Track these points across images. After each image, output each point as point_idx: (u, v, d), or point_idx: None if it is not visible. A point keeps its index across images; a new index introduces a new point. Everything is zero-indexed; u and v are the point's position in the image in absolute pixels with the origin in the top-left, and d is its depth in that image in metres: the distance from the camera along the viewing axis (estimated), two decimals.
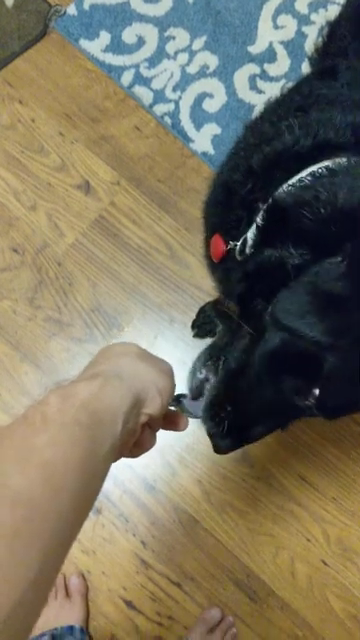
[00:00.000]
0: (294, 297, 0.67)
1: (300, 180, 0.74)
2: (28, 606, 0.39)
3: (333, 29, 1.45)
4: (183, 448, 1.40)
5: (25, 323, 1.49)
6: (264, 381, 0.69)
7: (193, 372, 0.77)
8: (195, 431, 1.40)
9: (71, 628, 1.28)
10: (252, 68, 1.62)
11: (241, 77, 1.62)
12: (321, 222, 0.67)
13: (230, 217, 0.86)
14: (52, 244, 1.53)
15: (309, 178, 0.73)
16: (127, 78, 1.62)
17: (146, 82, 1.62)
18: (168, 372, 0.61)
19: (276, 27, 1.65)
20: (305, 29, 1.65)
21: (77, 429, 0.47)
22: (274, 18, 1.66)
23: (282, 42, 1.64)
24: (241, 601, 1.34)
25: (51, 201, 1.56)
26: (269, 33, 1.65)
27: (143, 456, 1.42)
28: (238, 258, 0.79)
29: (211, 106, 1.60)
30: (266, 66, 1.63)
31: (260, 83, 1.61)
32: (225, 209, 0.90)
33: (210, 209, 0.98)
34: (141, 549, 1.37)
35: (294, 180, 0.74)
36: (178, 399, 0.71)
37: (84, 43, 1.64)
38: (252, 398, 0.70)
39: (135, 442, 0.58)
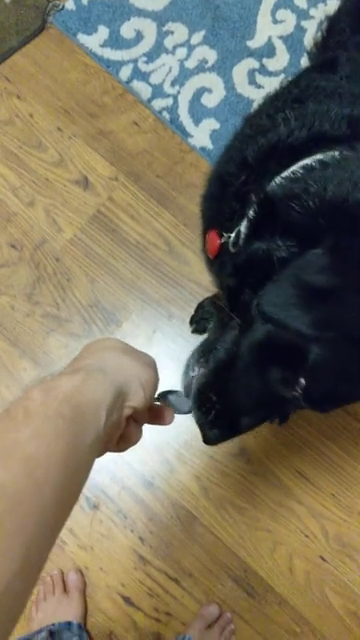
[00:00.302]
0: (279, 289, 0.67)
1: (293, 172, 0.74)
2: (13, 597, 0.39)
3: (332, 23, 1.44)
4: (181, 444, 1.40)
5: (23, 319, 1.48)
6: (251, 371, 0.69)
7: (186, 370, 0.77)
8: (193, 428, 1.40)
9: (69, 624, 1.28)
10: (251, 63, 1.62)
11: (240, 72, 1.61)
12: (309, 215, 0.67)
13: (224, 209, 0.86)
14: (50, 240, 1.53)
15: (301, 171, 0.73)
16: (125, 73, 1.62)
17: (144, 77, 1.61)
18: (151, 365, 0.61)
19: (275, 22, 1.64)
20: (304, 23, 1.64)
21: (60, 422, 0.47)
22: (273, 12, 1.65)
23: (281, 37, 1.63)
24: (239, 597, 1.34)
25: (49, 197, 1.55)
26: (268, 28, 1.64)
27: (141, 452, 1.43)
28: (232, 250, 0.79)
29: (210, 101, 1.60)
30: (265, 61, 1.62)
31: (259, 78, 1.61)
32: (220, 202, 0.90)
33: (206, 203, 0.98)
34: (139, 545, 1.37)
35: (287, 173, 0.74)
36: (165, 395, 0.70)
37: (82, 38, 1.64)
38: (239, 388, 0.71)
39: (121, 436, 0.58)
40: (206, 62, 1.62)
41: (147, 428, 1.39)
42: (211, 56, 1.62)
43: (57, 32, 1.65)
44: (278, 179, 0.74)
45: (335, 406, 0.70)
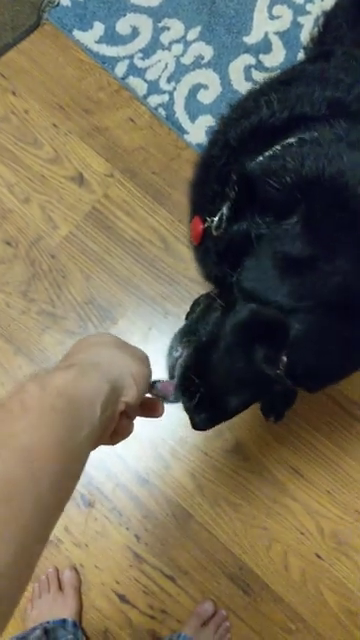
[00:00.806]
0: (256, 263, 0.68)
1: (272, 151, 0.75)
2: (9, 582, 0.40)
3: (329, 19, 1.44)
4: (176, 441, 1.40)
5: (19, 316, 1.48)
6: (234, 351, 0.69)
7: (170, 351, 0.77)
8: (188, 424, 1.39)
9: (63, 621, 1.28)
10: (247, 59, 1.61)
11: (236, 68, 1.60)
12: (286, 190, 0.67)
13: (207, 192, 0.87)
14: (46, 236, 1.52)
15: (279, 149, 0.74)
16: (121, 69, 1.61)
17: (140, 73, 1.61)
18: (144, 359, 0.62)
19: (271, 17, 1.64)
20: (301, 19, 1.63)
21: (55, 416, 0.47)
22: (269, 8, 1.64)
23: (277, 32, 1.63)
24: (235, 594, 1.34)
25: (45, 193, 1.55)
26: (264, 23, 1.63)
27: (136, 449, 1.42)
28: (214, 234, 0.79)
29: (206, 97, 1.59)
30: (261, 57, 1.61)
31: (255, 74, 1.60)
32: (204, 186, 0.91)
33: (192, 189, 0.99)
34: (134, 542, 1.37)
35: (267, 152, 0.75)
36: (153, 384, 0.70)
37: (78, 34, 1.63)
38: (222, 369, 0.71)
39: (114, 429, 0.59)
40: (202, 58, 1.61)
41: (142, 425, 1.39)
42: (207, 52, 1.62)
43: (52, 28, 1.65)
44: (259, 158, 0.75)
45: (321, 384, 0.71)
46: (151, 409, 0.68)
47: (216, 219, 0.79)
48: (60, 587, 1.34)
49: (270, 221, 0.68)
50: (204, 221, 0.84)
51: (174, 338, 0.77)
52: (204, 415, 0.73)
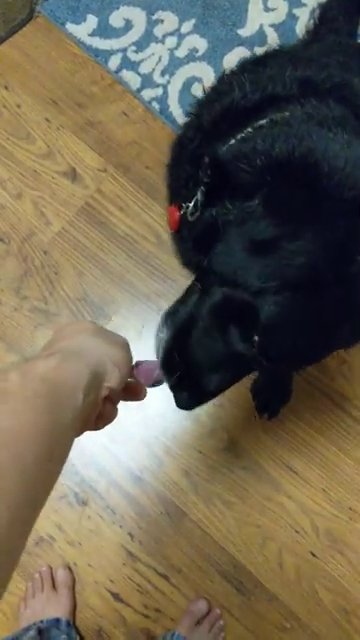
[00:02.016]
0: (225, 247, 0.69)
1: (244, 134, 0.75)
2: None
3: (325, 11, 1.42)
4: (169, 439, 1.39)
5: (11, 313, 1.46)
6: (211, 332, 0.71)
7: (156, 332, 0.78)
8: (182, 422, 1.39)
9: (57, 621, 1.27)
10: (242, 52, 1.59)
11: (231, 61, 1.58)
12: (257, 173, 0.68)
13: (181, 175, 0.87)
14: (38, 232, 1.51)
15: (250, 131, 0.74)
16: (114, 62, 1.59)
17: (134, 66, 1.59)
18: (123, 345, 0.63)
19: (267, 9, 1.61)
20: (296, 11, 1.61)
21: (38, 401, 0.49)
22: (264, 0, 1.62)
23: (273, 25, 1.60)
24: (229, 593, 1.33)
25: (37, 189, 1.53)
26: (259, 16, 1.61)
27: (129, 447, 1.41)
28: (190, 219, 0.80)
29: (200, 90, 1.56)
30: (256, 49, 1.59)
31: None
32: (178, 167, 0.91)
33: (168, 171, 0.99)
34: (128, 541, 1.36)
35: (239, 135, 0.75)
36: (136, 365, 0.71)
37: (71, 27, 1.61)
38: (202, 350, 0.72)
39: (98, 415, 0.60)
40: (196, 51, 1.59)
41: (135, 423, 1.38)
42: (201, 45, 1.60)
43: (45, 21, 1.63)
44: (231, 141, 0.75)
45: (294, 363, 0.71)
46: (134, 393, 0.69)
47: (191, 205, 0.79)
48: (54, 586, 1.34)
49: (238, 205, 0.68)
50: (180, 207, 0.84)
51: (160, 320, 0.78)
52: (186, 394, 0.74)
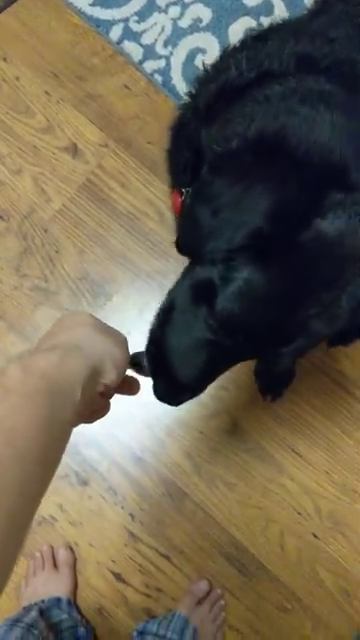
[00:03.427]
0: (188, 221, 0.70)
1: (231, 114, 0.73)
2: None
3: None
4: (172, 420, 1.37)
5: (11, 292, 1.44)
6: (185, 316, 0.70)
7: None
8: (184, 404, 1.37)
9: (58, 600, 1.27)
10: (247, 21, 1.53)
11: (236, 31, 1.53)
12: (233, 155, 0.67)
13: (180, 160, 0.85)
14: (38, 210, 1.48)
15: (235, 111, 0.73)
16: (116, 33, 1.54)
17: (136, 37, 1.54)
18: (123, 343, 0.63)
19: None
20: None
21: (38, 398, 0.50)
22: None
23: None
24: (230, 574, 1.33)
25: (37, 165, 1.50)
26: None
27: (131, 428, 1.40)
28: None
29: (203, 63, 1.52)
30: (262, 19, 1.54)
31: None
32: (176, 152, 0.89)
33: (167, 155, 0.96)
34: (129, 522, 1.35)
35: (228, 116, 0.73)
36: (136, 355, 0.72)
37: None
38: (174, 334, 0.71)
39: (91, 409, 0.62)
40: (200, 21, 1.54)
41: (136, 404, 1.36)
42: (206, 15, 1.54)
43: None
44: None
45: (257, 344, 0.67)
46: (128, 387, 0.69)
47: (191, 190, 0.77)
48: (55, 565, 1.34)
49: None
50: (181, 193, 0.83)
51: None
52: (163, 385, 0.73)
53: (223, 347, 0.68)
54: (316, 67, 0.77)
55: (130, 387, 0.70)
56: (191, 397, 0.75)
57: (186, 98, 0.93)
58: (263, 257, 0.61)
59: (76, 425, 0.57)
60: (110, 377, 0.60)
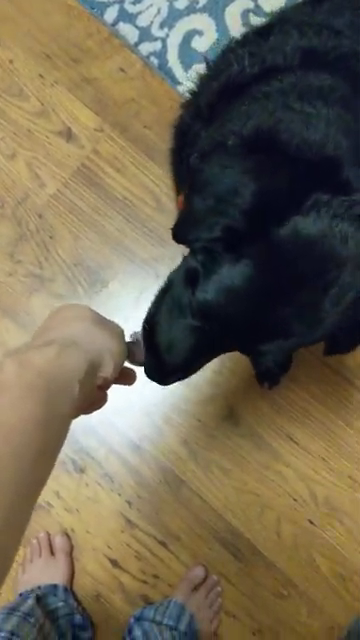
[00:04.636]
0: (184, 214, 0.71)
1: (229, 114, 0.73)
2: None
3: None
4: (169, 408, 1.37)
5: (5, 279, 1.43)
6: (178, 296, 0.71)
7: None
8: (181, 391, 1.37)
9: (54, 587, 1.28)
10: (245, 3, 1.51)
11: (233, 12, 1.50)
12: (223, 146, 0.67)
13: (183, 162, 0.84)
14: (32, 195, 1.46)
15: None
16: (111, 15, 1.51)
17: (131, 19, 1.51)
18: (120, 335, 0.64)
19: None
20: None
21: (35, 394, 0.50)
22: None
23: None
24: (226, 560, 1.33)
25: (31, 149, 1.48)
26: None
27: (128, 416, 1.40)
28: None
29: (201, 44, 1.50)
30: (260, 1, 1.51)
31: (254, 19, 1.50)
32: (180, 153, 0.87)
33: (171, 156, 0.95)
34: (126, 508, 1.35)
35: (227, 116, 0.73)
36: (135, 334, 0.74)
37: None
38: (168, 313, 0.72)
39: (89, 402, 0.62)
40: (197, 2, 1.51)
41: (134, 392, 1.36)
42: None
43: None
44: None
45: (236, 335, 0.67)
46: (125, 378, 0.69)
47: None
48: (52, 552, 1.34)
49: None
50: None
51: None
52: (153, 364, 0.72)
53: (207, 334, 0.68)
54: (321, 61, 0.75)
55: (127, 377, 0.70)
56: (179, 379, 0.75)
57: (187, 96, 0.91)
58: (239, 250, 0.61)
59: (74, 418, 0.58)
60: (108, 371, 0.60)
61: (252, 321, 0.63)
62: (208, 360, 0.74)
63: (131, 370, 0.71)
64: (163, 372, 0.73)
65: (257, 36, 0.83)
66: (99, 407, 0.66)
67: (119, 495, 1.36)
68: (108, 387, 0.65)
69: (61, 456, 1.35)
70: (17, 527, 0.48)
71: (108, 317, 0.65)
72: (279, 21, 0.84)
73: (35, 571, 1.32)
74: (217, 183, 0.63)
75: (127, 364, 0.70)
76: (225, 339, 0.68)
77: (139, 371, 0.72)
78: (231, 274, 0.61)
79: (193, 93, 0.89)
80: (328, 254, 0.59)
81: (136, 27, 1.51)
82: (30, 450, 0.48)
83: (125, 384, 0.70)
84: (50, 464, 0.53)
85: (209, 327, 0.66)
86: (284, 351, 0.66)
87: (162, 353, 0.71)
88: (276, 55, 0.75)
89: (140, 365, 0.73)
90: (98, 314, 0.63)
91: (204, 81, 0.88)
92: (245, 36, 0.88)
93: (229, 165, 0.63)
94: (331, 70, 0.72)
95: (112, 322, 0.65)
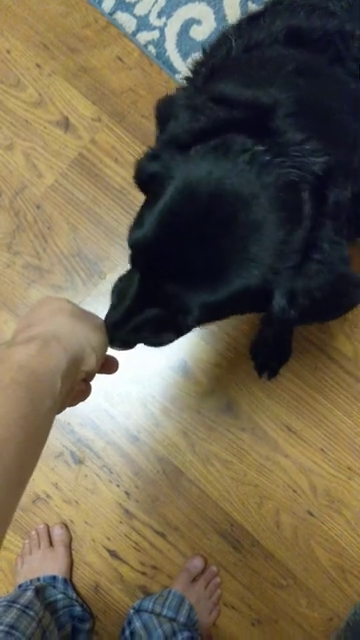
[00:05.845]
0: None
1: None
2: None
3: None
4: (167, 399, 1.36)
5: (3, 270, 1.42)
6: None
7: None
8: (179, 381, 1.36)
9: (54, 578, 1.28)
10: None
11: (232, 1, 1.48)
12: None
13: None
14: (30, 186, 1.45)
15: None
16: (108, 4, 1.50)
17: (129, 8, 1.50)
18: (101, 328, 0.64)
19: None
20: None
21: (17, 389, 0.50)
22: None
23: None
24: (225, 551, 1.33)
25: (29, 139, 1.47)
26: None
27: (126, 407, 1.39)
28: None
29: (199, 33, 1.48)
30: None
31: (252, 7, 1.49)
32: None
33: None
34: (125, 499, 1.35)
35: None
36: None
37: None
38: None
39: (73, 394, 0.63)
40: None
41: (131, 383, 1.35)
42: None
43: None
44: None
45: (161, 272, 0.65)
46: (107, 367, 0.70)
47: None
48: (50, 544, 1.34)
49: None
50: None
51: None
52: (111, 315, 0.70)
53: (142, 281, 0.67)
54: (304, 39, 0.75)
55: (109, 366, 0.70)
56: (135, 339, 0.71)
57: (183, 82, 0.91)
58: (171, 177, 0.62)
59: (59, 412, 0.58)
60: (90, 364, 0.60)
61: (169, 258, 0.63)
62: (161, 320, 0.69)
63: (113, 359, 0.71)
64: (113, 326, 0.69)
65: (250, 20, 0.82)
66: (84, 399, 0.66)
67: (117, 486, 1.36)
68: (91, 379, 0.66)
69: (59, 448, 1.36)
70: (3, 519, 0.48)
71: (107, 308, 0.65)
72: (272, 5, 0.83)
73: (34, 563, 1.32)
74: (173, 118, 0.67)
75: (109, 352, 0.70)
76: (154, 283, 0.65)
77: (127, 361, 0.72)
78: (162, 198, 0.62)
79: (188, 79, 0.88)
80: (240, 207, 0.59)
81: (134, 16, 1.50)
82: (14, 446, 0.48)
83: (107, 373, 0.70)
84: (34, 460, 0.53)
85: (138, 268, 0.67)
86: (209, 305, 0.63)
87: (110, 308, 0.71)
88: (261, 33, 0.75)
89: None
90: (78, 307, 0.64)
91: (198, 67, 0.87)
92: (240, 21, 0.87)
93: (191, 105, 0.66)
94: (311, 47, 0.73)
95: (92, 314, 0.65)
